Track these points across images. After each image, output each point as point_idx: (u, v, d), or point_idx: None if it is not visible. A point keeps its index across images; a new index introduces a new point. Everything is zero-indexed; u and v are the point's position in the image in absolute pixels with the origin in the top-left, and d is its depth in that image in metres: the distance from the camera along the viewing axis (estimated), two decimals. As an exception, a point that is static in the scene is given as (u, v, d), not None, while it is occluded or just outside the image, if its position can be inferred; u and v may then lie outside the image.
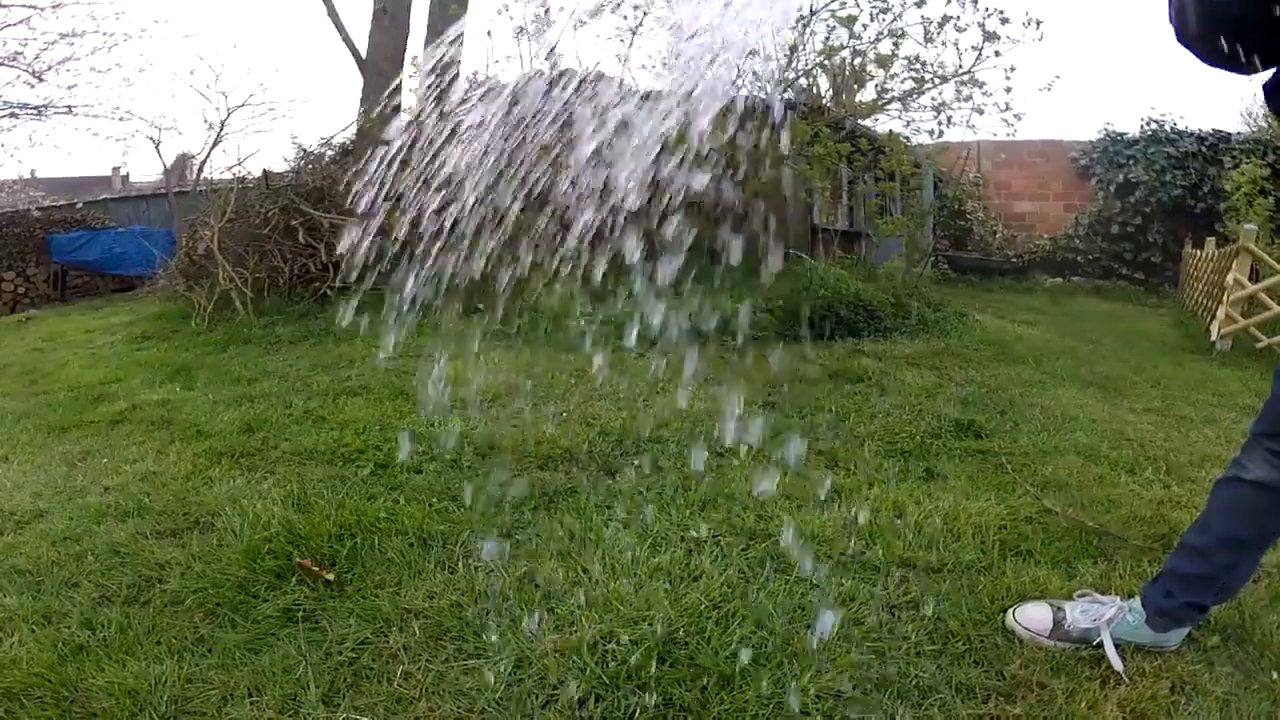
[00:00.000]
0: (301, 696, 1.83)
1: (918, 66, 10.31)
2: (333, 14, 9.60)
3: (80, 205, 13.19)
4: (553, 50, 8.69)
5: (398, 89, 8.84)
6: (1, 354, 6.99)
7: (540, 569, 2.29)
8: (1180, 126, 13.31)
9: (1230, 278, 7.42)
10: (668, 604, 2.07)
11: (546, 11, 8.67)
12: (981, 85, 10.58)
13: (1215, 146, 12.80)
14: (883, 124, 10.33)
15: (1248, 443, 1.88)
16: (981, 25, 9.92)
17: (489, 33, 11.68)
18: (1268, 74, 1.58)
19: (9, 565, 2.54)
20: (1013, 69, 10.44)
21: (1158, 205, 12.97)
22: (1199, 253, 9.88)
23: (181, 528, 2.77)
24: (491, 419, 3.76)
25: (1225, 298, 7.39)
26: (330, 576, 2.31)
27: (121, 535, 2.72)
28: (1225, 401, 4.72)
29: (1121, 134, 13.80)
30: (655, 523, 2.63)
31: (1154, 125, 13.48)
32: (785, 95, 8.71)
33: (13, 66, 14.37)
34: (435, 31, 8.77)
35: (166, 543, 2.65)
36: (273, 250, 7.29)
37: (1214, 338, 7.34)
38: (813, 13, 9.09)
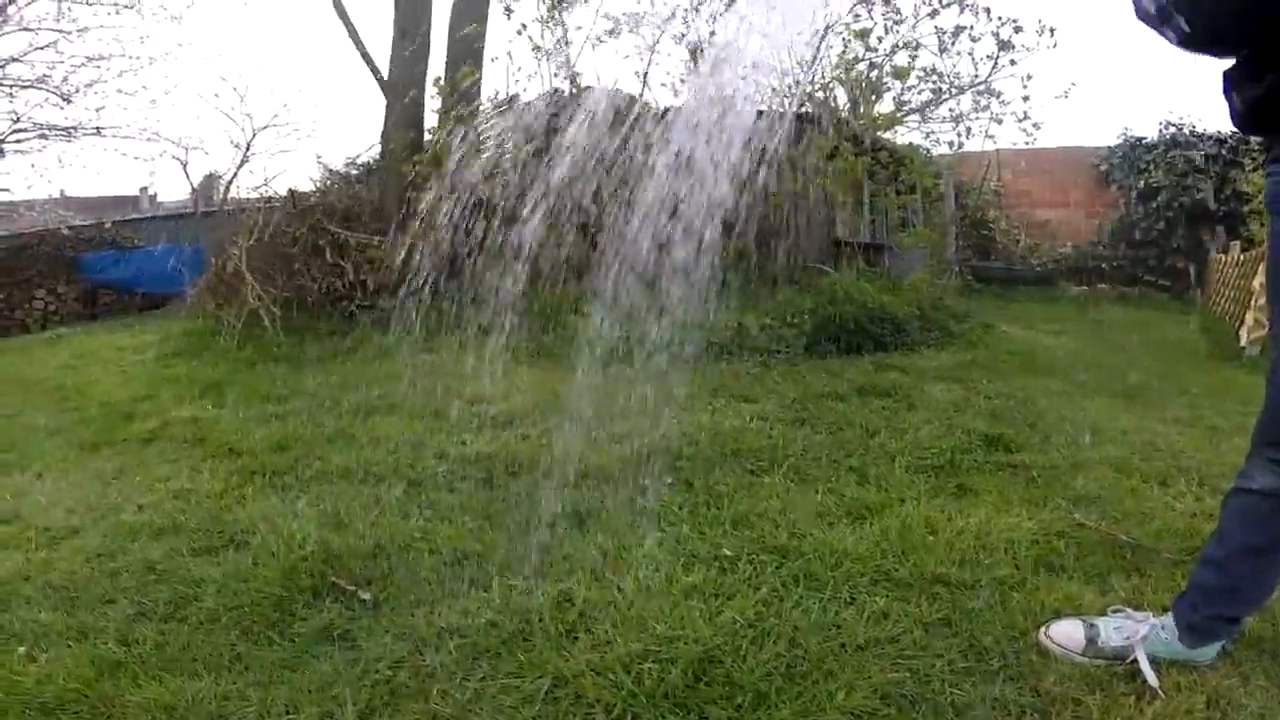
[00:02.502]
0: (339, 714, 1.85)
1: (934, 78, 10.36)
2: (354, 35, 9.67)
3: (109, 224, 13.34)
4: (572, 69, 8.74)
5: (420, 111, 8.90)
6: (33, 371, 7.08)
7: (574, 588, 2.30)
8: (1199, 129, 13.20)
9: (1256, 282, 7.35)
10: (702, 622, 2.08)
11: (565, 31, 8.74)
12: (999, 95, 10.62)
13: (1235, 149, 12.68)
14: (902, 136, 10.37)
15: (1250, 452, 1.89)
16: (995, 34, 9.96)
17: (510, 54, 11.77)
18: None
19: (44, 581, 2.59)
20: (1029, 77, 10.43)
21: (1180, 210, 12.86)
22: (1224, 257, 9.78)
23: (216, 545, 2.80)
24: (522, 437, 3.78)
25: (1253, 302, 7.32)
26: (366, 595, 2.33)
27: (157, 552, 2.75)
28: (1255, 409, 4.64)
29: (1140, 138, 13.70)
30: (687, 541, 2.63)
31: (1172, 129, 13.38)
32: (803, 109, 8.74)
33: (41, 89, 14.64)
34: (455, 52, 8.84)
35: (202, 560, 2.68)
36: (301, 269, 7.36)
37: (1243, 343, 7.26)
38: (828, 27, 9.13)
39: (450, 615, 2.21)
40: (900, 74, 9.96)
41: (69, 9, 14.21)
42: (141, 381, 5.89)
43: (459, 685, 1.92)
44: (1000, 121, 10.86)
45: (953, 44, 10.22)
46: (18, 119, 14.85)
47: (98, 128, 15.33)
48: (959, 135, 10.83)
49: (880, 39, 9.82)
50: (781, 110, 8.34)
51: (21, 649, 2.17)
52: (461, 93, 7.83)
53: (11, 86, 14.57)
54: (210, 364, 6.33)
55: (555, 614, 2.17)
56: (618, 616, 2.13)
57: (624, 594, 2.26)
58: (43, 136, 15.20)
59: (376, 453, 3.62)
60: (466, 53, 8.71)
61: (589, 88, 8.40)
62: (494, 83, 10.28)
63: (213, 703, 1.90)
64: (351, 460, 3.54)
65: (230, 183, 16.15)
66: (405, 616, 2.23)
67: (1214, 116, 13.35)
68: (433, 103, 8.91)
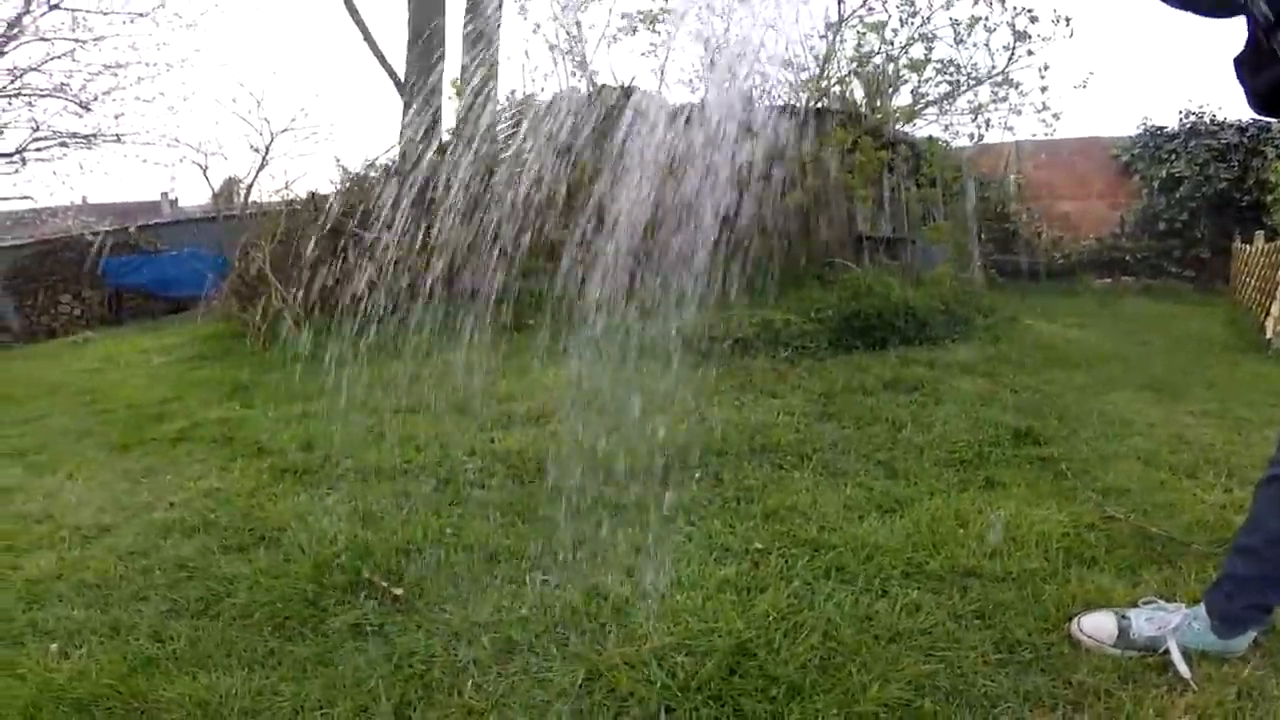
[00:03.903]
0: (373, 709, 1.86)
1: (951, 69, 10.30)
2: (368, 38, 9.72)
3: (132, 230, 13.45)
4: (588, 67, 8.76)
5: (437, 112, 8.94)
6: (61, 374, 7.16)
7: (606, 582, 2.31)
8: (1220, 118, 13.04)
9: (1281, 273, 7.27)
10: (735, 615, 2.08)
11: (579, 29, 8.76)
12: (1017, 85, 10.54)
13: (1256, 137, 12.51)
14: (921, 129, 10.32)
15: None
16: (1011, 25, 9.90)
17: (526, 52, 11.82)
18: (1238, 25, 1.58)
19: (77, 579, 2.62)
20: (1046, 67, 10.37)
21: (1203, 200, 12.72)
22: (1248, 248, 9.66)
23: (248, 543, 2.82)
24: (550, 434, 3.79)
25: (1278, 293, 7.23)
26: (399, 591, 2.34)
27: (188, 550, 2.78)
28: (1283, 401, 4.62)
29: (1161, 128, 13.55)
30: (719, 535, 2.64)
31: (1193, 118, 13.22)
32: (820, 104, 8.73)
33: (59, 97, 14.79)
34: (469, 52, 8.88)
35: (234, 558, 2.71)
36: (323, 270, 7.40)
37: (1268, 334, 7.18)
38: (841, 20, 9.11)
39: (483, 610, 2.22)
40: (916, 66, 9.92)
41: (84, 18, 14.36)
42: (168, 383, 5.95)
43: (493, 680, 1.94)
44: (1019, 113, 10.77)
45: (968, 35, 10.17)
46: (38, 127, 15.05)
47: (117, 134, 15.53)
48: (978, 127, 10.76)
49: (895, 31, 9.81)
50: (799, 105, 8.34)
51: (54, 646, 2.19)
52: (477, 92, 7.87)
53: (30, 96, 14.74)
54: (236, 365, 6.39)
55: (588, 608, 2.19)
56: (650, 610, 2.13)
57: (656, 588, 2.27)
58: (63, 144, 15.39)
59: (406, 450, 3.63)
60: (481, 53, 8.74)
61: (605, 86, 8.42)
62: (510, 82, 10.32)
63: (246, 698, 1.92)
64: (381, 458, 3.56)
65: (250, 186, 16.28)
66: (438, 612, 2.25)
67: (1234, 104, 13.18)
68: (450, 103, 8.96)
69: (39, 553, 2.88)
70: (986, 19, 9.97)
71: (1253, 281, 8.90)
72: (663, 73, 9.57)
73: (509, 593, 2.32)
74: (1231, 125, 12.82)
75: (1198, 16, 1.55)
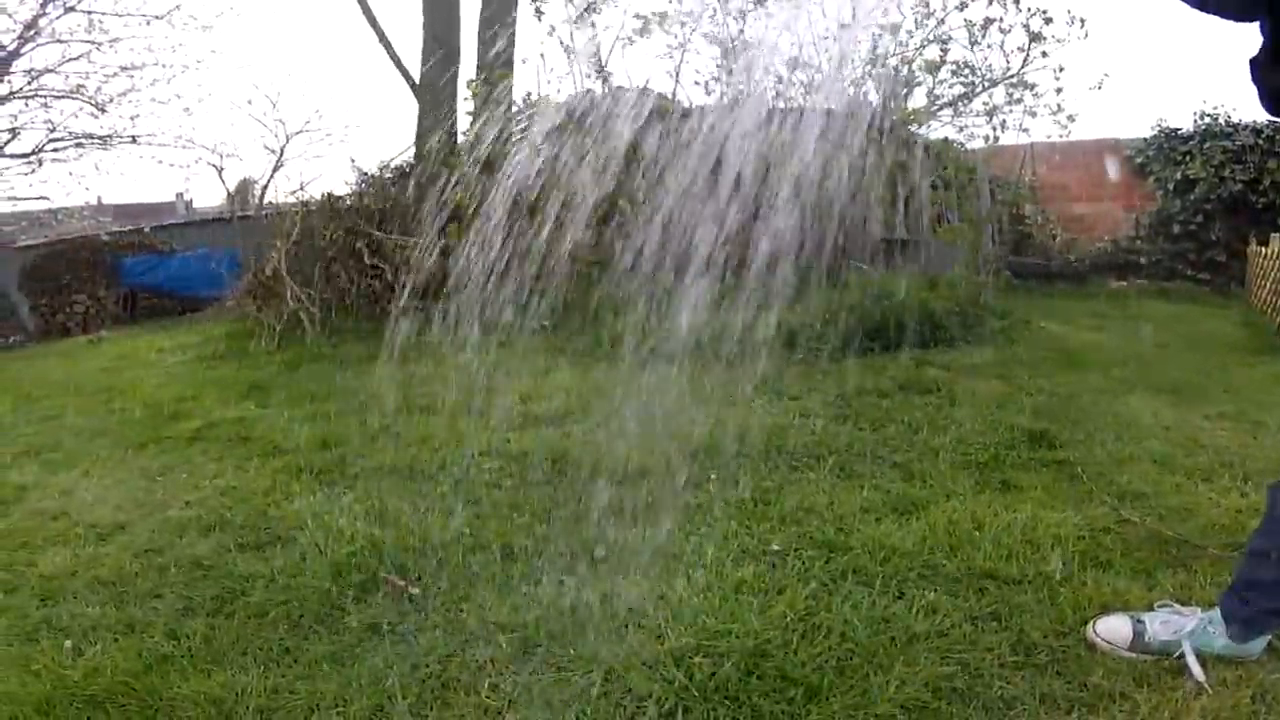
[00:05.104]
0: (389, 708, 1.87)
1: (966, 71, 10.28)
2: (384, 41, 9.75)
3: (148, 230, 13.51)
4: (604, 69, 8.76)
5: (452, 114, 8.97)
6: (76, 373, 7.19)
7: (624, 583, 2.31)
8: (1235, 119, 12.94)
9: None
10: (752, 617, 2.09)
11: (595, 32, 8.77)
12: (1032, 87, 10.51)
13: (1271, 139, 12.41)
14: (936, 131, 10.30)
15: None
16: (1025, 26, 9.88)
17: (541, 55, 11.83)
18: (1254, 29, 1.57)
19: (92, 576, 2.64)
20: (1061, 69, 10.36)
21: (1218, 202, 12.63)
22: (1264, 250, 9.59)
23: (264, 542, 2.84)
24: (565, 435, 3.79)
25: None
26: (415, 590, 2.35)
27: (204, 548, 2.80)
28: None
29: (1175, 129, 13.46)
30: (736, 536, 2.64)
31: (1208, 119, 13.12)
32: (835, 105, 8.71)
33: (76, 99, 14.87)
34: (485, 55, 8.89)
35: (249, 556, 2.72)
36: (338, 271, 7.43)
37: (1283, 336, 7.13)
38: (855, 21, 9.09)
39: (500, 610, 2.23)
40: (931, 68, 9.91)
41: (100, 20, 14.44)
42: (184, 382, 5.97)
43: (509, 679, 1.94)
44: (1034, 114, 10.74)
45: (983, 36, 10.16)
46: (54, 128, 15.14)
47: (133, 136, 15.60)
48: (993, 129, 10.74)
49: (910, 33, 9.80)
50: (814, 107, 8.31)
51: (69, 643, 2.21)
52: (494, 94, 7.88)
53: (47, 97, 14.83)
54: (252, 365, 6.41)
55: (605, 609, 2.19)
56: (668, 611, 2.14)
57: (674, 589, 2.28)
58: (79, 145, 15.47)
59: (421, 450, 3.64)
60: (496, 55, 8.77)
61: (621, 88, 8.42)
62: (526, 84, 10.33)
63: (262, 696, 1.93)
64: (396, 458, 3.57)
65: (265, 188, 16.36)
66: (455, 611, 2.25)
67: (1249, 106, 13.06)
68: (465, 105, 8.98)
69: (54, 550, 2.90)
70: (1001, 20, 9.97)
71: (1268, 284, 8.85)
72: (678, 74, 9.55)
73: (525, 592, 2.33)
74: (1246, 127, 12.71)
75: (1217, 19, 1.55)
